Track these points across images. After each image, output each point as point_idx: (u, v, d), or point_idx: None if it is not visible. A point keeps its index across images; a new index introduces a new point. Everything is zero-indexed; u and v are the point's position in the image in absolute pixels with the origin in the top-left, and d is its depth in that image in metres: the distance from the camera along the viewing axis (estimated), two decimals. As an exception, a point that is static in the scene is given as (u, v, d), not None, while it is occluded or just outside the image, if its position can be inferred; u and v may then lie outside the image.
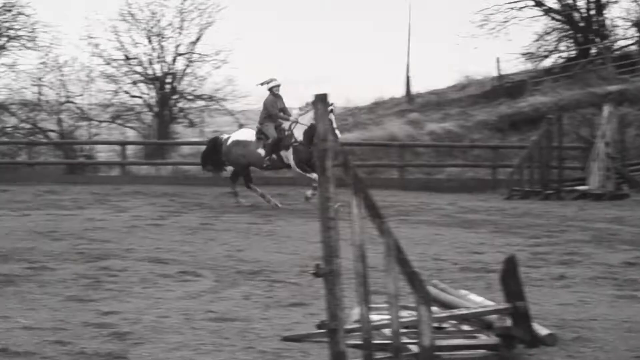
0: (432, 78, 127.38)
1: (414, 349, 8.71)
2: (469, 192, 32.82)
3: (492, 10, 52.64)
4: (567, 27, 53.61)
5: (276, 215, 24.41)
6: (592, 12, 53.06)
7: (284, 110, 27.18)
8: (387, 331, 8.73)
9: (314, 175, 23.30)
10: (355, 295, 8.37)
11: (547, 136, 31.89)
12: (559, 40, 53.83)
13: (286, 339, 10.22)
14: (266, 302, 12.53)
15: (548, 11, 53.47)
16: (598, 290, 13.74)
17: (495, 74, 50.52)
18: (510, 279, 9.77)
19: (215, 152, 28.48)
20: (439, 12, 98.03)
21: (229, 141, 27.65)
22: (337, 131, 24.37)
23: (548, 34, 53.81)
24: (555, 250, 18.00)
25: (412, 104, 49.78)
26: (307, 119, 25.70)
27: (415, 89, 55.07)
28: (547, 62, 53.15)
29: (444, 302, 10.96)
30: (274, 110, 26.41)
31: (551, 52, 53.85)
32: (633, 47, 49.15)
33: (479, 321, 10.30)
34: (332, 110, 24.75)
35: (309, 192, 25.76)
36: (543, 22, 53.91)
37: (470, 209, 26.87)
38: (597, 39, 52.16)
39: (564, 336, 10.47)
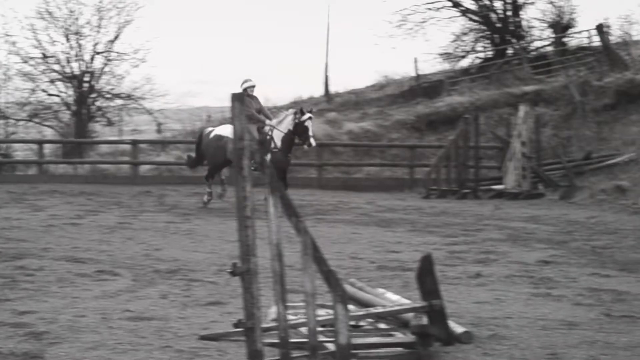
0: (351, 78, 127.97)
1: (331, 347, 8.73)
2: (387, 191, 32.97)
3: (410, 11, 53.00)
4: (484, 27, 54.09)
5: (194, 214, 24.35)
6: (509, 13, 53.55)
7: (261, 110, 26.43)
8: (304, 329, 8.73)
9: None
10: (272, 294, 8.38)
11: (464, 136, 32.13)
12: (476, 40, 54.34)
13: (203, 337, 10.21)
14: (183, 301, 12.50)
15: (465, 12, 53.91)
16: (514, 289, 13.87)
17: (413, 74, 50.83)
18: (427, 278, 9.85)
19: (198, 146, 27.83)
20: (358, 12, 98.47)
21: (211, 135, 26.92)
22: (312, 139, 24.55)
23: (465, 34, 54.32)
24: (472, 249, 18.15)
25: (330, 103, 49.84)
26: (285, 125, 25.28)
27: (334, 88, 55.38)
28: (464, 63, 53.66)
29: (360, 301, 11.02)
30: (248, 110, 24.11)
31: (468, 52, 54.34)
32: (549, 48, 49.66)
33: (396, 319, 10.39)
34: (310, 118, 24.85)
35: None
36: (460, 23, 54.48)
37: (388, 208, 26.98)
38: (514, 40, 52.65)
39: (479, 334, 10.56)
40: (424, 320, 9.65)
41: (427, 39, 65.36)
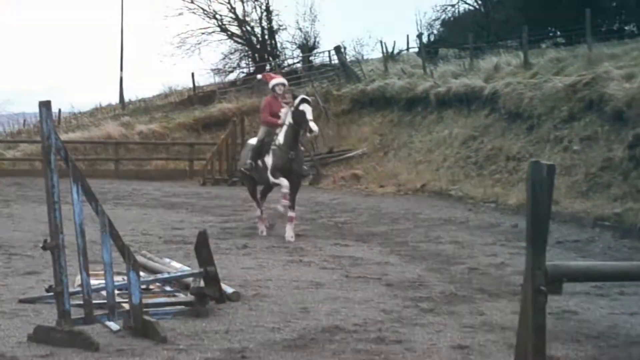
0: (141, 88, 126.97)
1: (126, 306, 8.66)
2: (172, 180, 32.75)
3: (188, 35, 53.21)
4: (247, 48, 54.73)
5: (14, 200, 23.59)
6: (266, 37, 54.35)
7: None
8: (104, 293, 8.63)
9: (285, 182, 16.15)
10: (77, 264, 8.26)
11: (233, 135, 32.29)
12: (241, 58, 55.37)
13: (22, 301, 10.00)
14: (5, 272, 12.14)
15: (231, 36, 54.59)
16: (273, 257, 13.98)
17: (191, 85, 50.87)
18: (203, 249, 9.88)
19: None
20: (147, 35, 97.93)
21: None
22: (311, 123, 16.11)
23: (232, 53, 55.13)
24: (240, 226, 18.22)
25: (125, 109, 49.46)
26: (288, 119, 17.23)
27: (127, 97, 55.06)
28: (232, 76, 54.08)
29: (150, 269, 10.97)
30: (263, 113, 17.22)
31: (234, 68, 55.07)
32: (298, 65, 50.29)
33: (179, 283, 10.37)
34: (304, 101, 16.46)
35: (280, 207, 16.57)
36: (228, 44, 55.14)
37: (173, 194, 26.82)
38: (271, 58, 53.38)
39: (246, 293, 10.63)
40: (201, 283, 9.68)
41: (201, 57, 66.13)
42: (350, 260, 13.68)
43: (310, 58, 50.92)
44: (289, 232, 16.05)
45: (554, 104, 22.79)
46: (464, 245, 15.52)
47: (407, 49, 48.84)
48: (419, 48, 42.21)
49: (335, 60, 44.53)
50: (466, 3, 50.48)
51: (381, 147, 31.13)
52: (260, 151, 16.83)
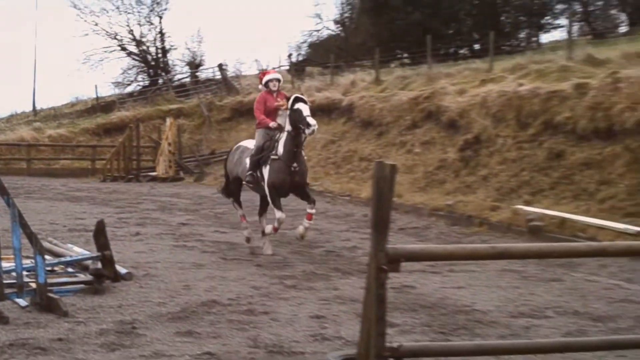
0: (52, 98, 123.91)
1: (33, 285, 8.53)
2: (76, 177, 32.17)
3: (92, 52, 52.46)
4: (143, 64, 54.03)
5: None
6: (160, 55, 53.79)
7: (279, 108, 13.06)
8: (14, 274, 8.48)
9: (279, 214, 12.46)
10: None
11: (130, 138, 31.88)
12: (138, 73, 54.56)
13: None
14: None
15: (130, 54, 53.91)
16: (162, 242, 13.90)
17: (94, 95, 50.15)
18: (101, 236, 9.80)
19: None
20: (58, 49, 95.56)
21: (235, 146, 14.55)
22: (309, 118, 11.95)
23: (130, 69, 54.41)
24: (134, 216, 18.01)
25: (37, 116, 48.39)
26: (287, 125, 12.65)
27: (39, 105, 54.04)
28: (130, 88, 53.35)
29: (55, 253, 10.77)
30: (257, 111, 13.01)
31: (132, 81, 54.40)
32: (186, 79, 49.83)
33: (80, 265, 10.23)
34: (298, 100, 12.28)
35: (301, 229, 12.72)
36: (127, 61, 54.51)
37: (77, 189, 26.31)
38: (163, 73, 52.91)
39: (137, 273, 10.57)
40: (99, 265, 9.61)
41: (104, 72, 65.34)
42: (227, 245, 13.70)
43: (197, 74, 50.53)
44: (303, 226, 12.57)
45: (400, 114, 23.14)
46: (322, 232, 15.67)
47: (279, 66, 48.85)
48: (289, 66, 42.37)
49: (218, 75, 44.32)
50: (328, 29, 50.89)
51: (256, 149, 31.15)
52: (258, 161, 12.68)
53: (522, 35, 45.14)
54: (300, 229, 12.57)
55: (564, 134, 17.36)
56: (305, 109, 12.26)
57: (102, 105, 46.42)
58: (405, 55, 41.46)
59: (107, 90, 53.46)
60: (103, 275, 9.58)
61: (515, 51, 35.36)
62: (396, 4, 40.83)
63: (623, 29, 41.38)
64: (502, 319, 8.68)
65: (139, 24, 53.97)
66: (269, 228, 12.93)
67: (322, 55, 43.23)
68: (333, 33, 50.44)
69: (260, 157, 12.66)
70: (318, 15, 65.31)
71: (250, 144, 13.46)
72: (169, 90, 44.80)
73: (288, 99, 12.56)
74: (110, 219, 15.98)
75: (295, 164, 12.37)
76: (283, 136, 12.51)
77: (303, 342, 7.55)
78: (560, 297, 9.90)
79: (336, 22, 50.36)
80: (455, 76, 24.61)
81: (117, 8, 52.93)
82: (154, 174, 31.26)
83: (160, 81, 51.03)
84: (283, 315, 8.59)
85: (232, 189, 13.97)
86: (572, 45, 23.89)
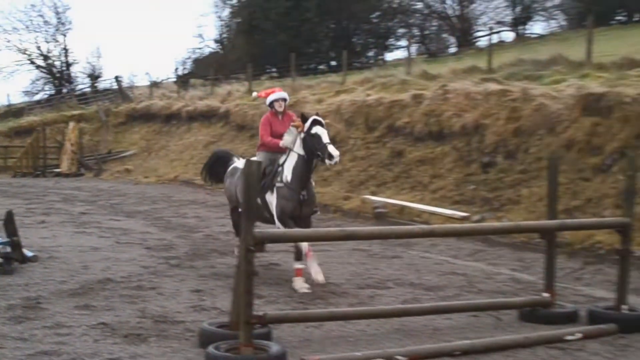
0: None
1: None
2: (-12, 172, 30.96)
3: (5, 65, 51.71)
4: (49, 76, 52.73)
5: None
6: (64, 68, 52.86)
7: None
8: None
9: (304, 245, 8.82)
10: None
11: (37, 140, 30.95)
12: (45, 84, 53.83)
13: None
14: None
15: (38, 67, 52.64)
16: (64, 229, 13.51)
17: (7, 102, 48.67)
18: (9, 224, 9.53)
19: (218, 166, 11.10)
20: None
21: (230, 167, 10.65)
22: (331, 147, 8.73)
23: (38, 80, 53.25)
24: (40, 207, 17.41)
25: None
26: (297, 148, 9.19)
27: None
28: (38, 97, 51.85)
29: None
30: (263, 133, 9.65)
31: (40, 90, 53.06)
32: (87, 89, 48.51)
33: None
34: (316, 122, 9.02)
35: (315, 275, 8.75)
36: (35, 73, 53.23)
37: (-11, 183, 25.31)
38: (67, 84, 51.63)
39: (42, 256, 10.27)
40: (8, 249, 9.30)
41: (15, 83, 63.17)
42: (121, 231, 13.42)
43: (96, 84, 49.33)
44: (314, 269, 8.77)
45: (267, 121, 23.17)
46: (203, 219, 15.55)
47: (167, 78, 48.23)
48: (176, 78, 41.90)
49: (114, 85, 43.31)
50: (209, 47, 50.49)
51: (147, 149, 30.49)
52: (263, 186, 9.41)
53: (371, 54, 46.00)
54: (316, 278, 8.69)
55: (404, 136, 17.72)
56: (324, 135, 8.93)
57: (14, 111, 44.84)
58: (274, 69, 41.49)
59: (18, 98, 51.94)
60: (12, 258, 9.27)
61: (365, 67, 35.89)
62: (266, 27, 40.98)
63: (452, 49, 42.67)
64: (352, 290, 8.82)
65: (46, 41, 52.94)
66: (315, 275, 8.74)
67: (203, 69, 42.68)
68: (213, 50, 50.02)
69: (263, 182, 9.37)
70: (200, 35, 65.36)
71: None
72: (72, 99, 43.62)
73: (304, 119, 9.06)
74: (19, 209, 15.40)
75: (304, 192, 9.07)
76: (291, 159, 9.14)
77: (184, 313, 7.51)
78: (399, 271, 10.15)
79: (216, 41, 50.01)
80: (314, 88, 24.78)
81: (27, 27, 51.80)
82: (58, 170, 30.25)
83: (65, 90, 49.78)
84: (168, 290, 8.52)
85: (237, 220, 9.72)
86: (411, 62, 24.41)
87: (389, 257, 11.34)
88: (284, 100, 9.60)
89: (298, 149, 9.03)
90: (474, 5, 43.85)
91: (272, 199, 9.25)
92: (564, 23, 41.96)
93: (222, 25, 49.30)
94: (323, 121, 9.09)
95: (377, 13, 45.00)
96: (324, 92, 22.88)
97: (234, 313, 6.32)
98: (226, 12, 47.95)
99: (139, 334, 6.67)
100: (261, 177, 9.16)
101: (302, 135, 8.98)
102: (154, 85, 41.25)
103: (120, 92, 40.32)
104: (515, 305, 7.75)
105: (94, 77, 51.87)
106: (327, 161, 8.74)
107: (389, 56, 44.71)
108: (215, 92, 31.42)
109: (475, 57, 24.41)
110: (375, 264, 10.71)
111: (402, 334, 6.98)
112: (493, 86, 16.14)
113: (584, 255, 10.55)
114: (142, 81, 48.36)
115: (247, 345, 5.88)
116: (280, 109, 9.54)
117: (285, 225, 9.00)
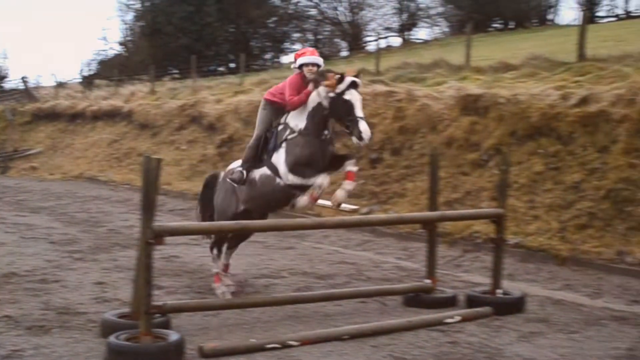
0: None
1: None
2: None
3: None
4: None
5: None
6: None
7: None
8: None
9: (320, 179, 7.02)
10: None
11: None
12: None
13: None
14: None
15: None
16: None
17: None
18: None
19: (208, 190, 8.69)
20: None
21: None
22: (363, 124, 6.63)
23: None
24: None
25: None
26: (309, 109, 7.09)
27: None
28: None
29: None
30: (290, 95, 7.25)
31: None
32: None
33: None
34: (353, 85, 6.81)
35: (340, 195, 7.31)
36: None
37: None
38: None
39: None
40: None
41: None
42: (26, 226, 12.95)
43: (2, 84, 47.40)
44: (343, 190, 7.31)
45: (170, 118, 22.82)
46: (106, 214, 15.19)
47: (73, 79, 46.75)
48: (81, 79, 40.86)
49: (21, 86, 41.71)
50: (114, 49, 49.26)
51: (52, 147, 29.51)
52: (256, 154, 7.48)
53: (267, 56, 45.95)
54: (339, 194, 7.30)
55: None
56: (358, 104, 6.82)
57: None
58: (176, 71, 40.80)
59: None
60: None
61: (262, 69, 35.84)
62: (168, 31, 40.44)
63: (344, 53, 43.10)
64: (249, 280, 8.83)
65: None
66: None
67: (108, 71, 41.63)
68: (117, 52, 48.90)
69: (257, 145, 7.50)
70: (105, 38, 63.91)
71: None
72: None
73: (341, 81, 6.89)
74: None
75: (326, 131, 7.09)
76: (305, 111, 7.13)
77: (87, 304, 7.36)
78: (293, 261, 10.23)
79: (120, 43, 48.74)
80: (214, 88, 24.58)
81: None
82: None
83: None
84: (71, 282, 8.32)
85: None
86: (303, 66, 24.46)
87: (283, 248, 11.40)
88: (318, 66, 7.38)
89: (321, 102, 7.02)
90: (364, 12, 44.50)
91: (278, 157, 7.18)
92: (446, 29, 43.11)
93: (126, 29, 48.25)
94: (360, 83, 6.97)
95: (274, 18, 45.02)
96: (223, 93, 22.74)
97: (135, 304, 6.25)
98: (130, 16, 46.96)
99: (42, 326, 6.50)
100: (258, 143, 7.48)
101: (333, 94, 6.92)
102: (60, 85, 40.01)
103: (27, 92, 38.92)
104: (400, 291, 7.93)
105: (0, 77, 49.86)
106: (354, 139, 6.79)
107: (285, 59, 44.84)
108: (119, 93, 30.77)
109: (365, 61, 24.73)
110: (270, 254, 10.75)
111: (295, 320, 7.04)
112: (380, 87, 16.37)
113: (463, 244, 10.86)
114: (48, 82, 46.83)
115: (146, 334, 5.82)
116: (312, 76, 7.27)
117: (302, 176, 7.05)
